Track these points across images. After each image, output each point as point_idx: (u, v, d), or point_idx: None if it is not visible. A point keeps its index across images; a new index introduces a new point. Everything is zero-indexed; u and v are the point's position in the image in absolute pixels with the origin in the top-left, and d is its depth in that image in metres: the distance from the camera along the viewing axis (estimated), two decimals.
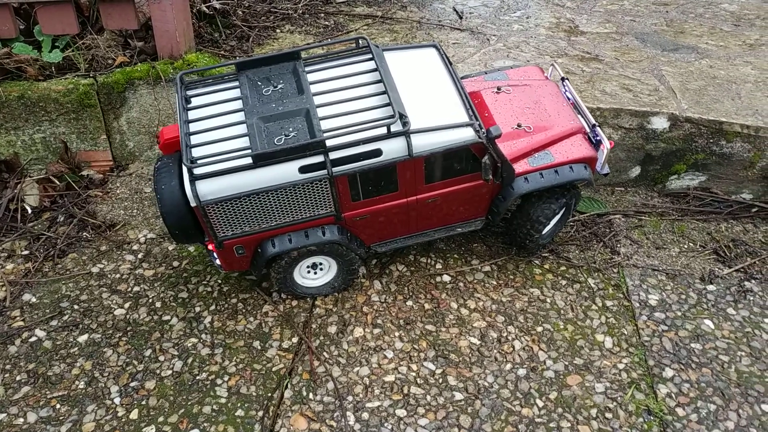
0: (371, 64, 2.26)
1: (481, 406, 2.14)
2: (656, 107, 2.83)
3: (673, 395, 2.17)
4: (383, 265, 2.63)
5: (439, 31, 3.50)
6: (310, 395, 2.18)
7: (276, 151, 1.98)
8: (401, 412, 2.13)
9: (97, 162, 3.13)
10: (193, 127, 2.11)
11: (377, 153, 2.07)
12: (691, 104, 2.87)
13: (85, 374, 2.25)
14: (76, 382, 2.23)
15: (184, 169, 2.02)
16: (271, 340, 2.35)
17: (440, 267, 2.62)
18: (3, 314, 2.46)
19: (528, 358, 2.29)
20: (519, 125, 2.39)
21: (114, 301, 2.51)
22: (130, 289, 2.56)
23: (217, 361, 2.29)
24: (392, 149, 2.08)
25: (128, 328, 2.41)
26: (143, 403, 2.16)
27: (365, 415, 2.12)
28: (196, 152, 2.03)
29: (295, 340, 2.35)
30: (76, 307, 2.48)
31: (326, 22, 3.62)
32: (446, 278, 2.58)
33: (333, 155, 2.03)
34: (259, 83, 2.21)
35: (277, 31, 3.51)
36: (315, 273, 2.43)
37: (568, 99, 2.54)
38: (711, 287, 2.55)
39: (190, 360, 2.29)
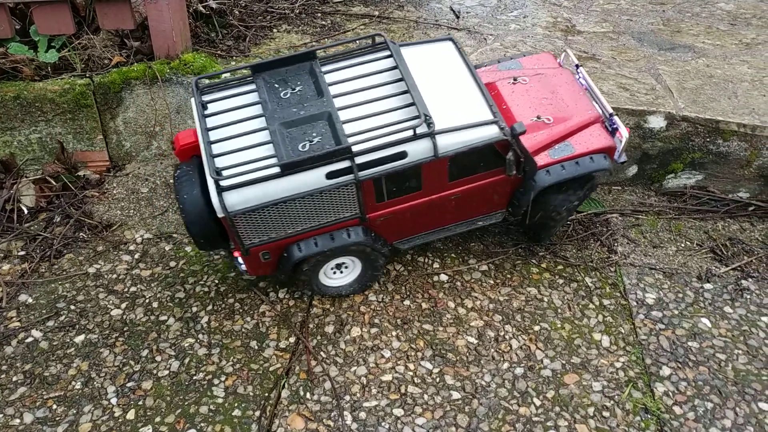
0: (389, 62, 2.23)
1: (479, 405, 2.14)
2: (653, 106, 2.83)
3: (670, 393, 2.17)
4: None
5: (436, 31, 3.50)
6: (308, 395, 2.18)
7: (304, 159, 1.96)
8: (398, 412, 2.12)
9: (94, 162, 3.12)
10: (213, 135, 2.07)
11: (402, 155, 2.06)
12: (687, 103, 2.87)
13: (82, 375, 2.25)
14: (73, 383, 2.22)
15: (209, 179, 1.99)
16: (268, 340, 2.35)
17: (437, 266, 2.62)
18: None
19: (525, 357, 2.29)
20: (538, 117, 2.37)
21: (111, 302, 2.50)
22: (126, 289, 2.55)
23: (214, 361, 2.28)
24: (418, 151, 2.07)
25: (125, 329, 2.40)
26: (140, 403, 2.16)
27: (362, 415, 2.11)
28: (219, 162, 1.99)
29: (292, 339, 2.35)
30: (72, 307, 2.48)
31: (323, 22, 3.62)
32: (443, 277, 2.58)
33: (359, 159, 2.02)
34: (277, 85, 2.18)
35: (274, 30, 3.51)
36: (340, 272, 2.43)
37: (582, 86, 2.52)
38: (708, 286, 2.56)
39: (187, 360, 2.29)
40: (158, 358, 2.29)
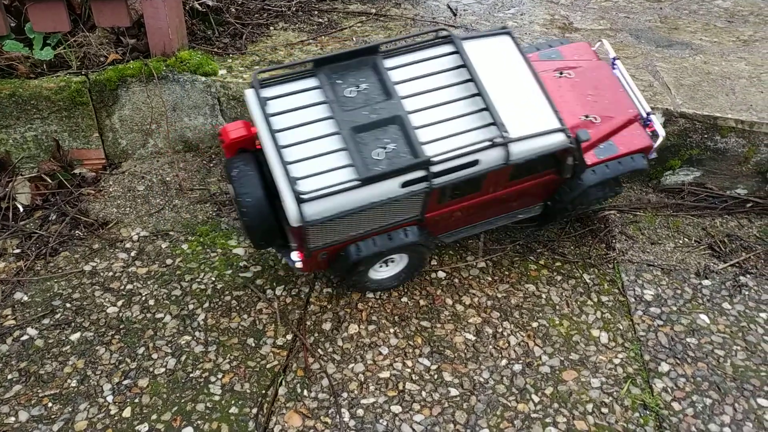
0: (455, 59, 2.19)
1: (477, 401, 2.13)
2: (651, 103, 2.82)
3: (668, 390, 2.17)
4: None
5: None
6: (305, 392, 2.16)
7: (387, 173, 1.94)
8: (396, 409, 2.11)
9: (90, 160, 3.11)
10: (282, 138, 1.99)
11: (475, 163, 2.05)
12: (685, 100, 2.87)
13: (78, 372, 2.23)
14: (69, 381, 2.21)
15: (283, 185, 1.94)
16: (266, 338, 2.34)
17: (435, 263, 2.61)
18: None
19: (523, 353, 2.28)
20: (586, 116, 2.38)
21: (107, 299, 2.49)
22: (122, 287, 2.54)
23: (210, 358, 2.27)
24: (490, 158, 2.06)
25: (121, 326, 2.39)
26: (136, 401, 2.14)
27: (360, 412, 2.10)
28: (295, 170, 1.94)
29: (289, 337, 2.34)
30: (68, 305, 2.46)
31: (320, 20, 3.61)
32: (441, 274, 2.57)
33: (434, 168, 2.01)
34: (340, 81, 2.11)
35: (271, 28, 3.50)
36: (386, 266, 2.42)
37: (620, 82, 2.51)
38: (706, 282, 2.55)
39: (183, 358, 2.27)
40: (154, 356, 2.28)
